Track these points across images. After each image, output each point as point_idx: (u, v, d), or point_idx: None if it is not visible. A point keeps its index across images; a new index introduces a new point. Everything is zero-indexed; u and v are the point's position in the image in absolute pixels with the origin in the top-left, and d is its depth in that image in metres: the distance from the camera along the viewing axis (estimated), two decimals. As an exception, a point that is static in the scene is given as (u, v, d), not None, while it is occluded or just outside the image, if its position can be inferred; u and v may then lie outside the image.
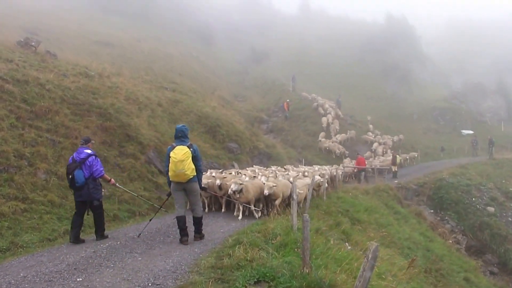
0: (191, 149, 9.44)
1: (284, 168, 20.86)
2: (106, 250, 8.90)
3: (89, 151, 10.08)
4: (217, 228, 11.49)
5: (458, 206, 26.26)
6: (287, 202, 14.19)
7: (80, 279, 6.94)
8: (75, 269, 7.50)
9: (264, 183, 13.41)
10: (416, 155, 37.86)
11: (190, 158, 9.31)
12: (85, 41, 47.31)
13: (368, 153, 37.40)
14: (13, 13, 48.44)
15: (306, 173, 18.87)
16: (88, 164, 9.88)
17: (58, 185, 12.78)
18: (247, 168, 20.19)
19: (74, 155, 10.13)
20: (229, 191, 12.92)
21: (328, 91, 56.06)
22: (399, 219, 21.45)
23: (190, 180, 9.43)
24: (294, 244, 8.37)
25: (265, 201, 13.87)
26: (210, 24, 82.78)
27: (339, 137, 39.27)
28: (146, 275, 7.10)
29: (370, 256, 4.60)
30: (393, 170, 31.69)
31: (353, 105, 52.45)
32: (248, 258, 7.58)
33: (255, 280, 6.62)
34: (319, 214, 13.91)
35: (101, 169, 10.12)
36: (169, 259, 8.15)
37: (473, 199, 26.62)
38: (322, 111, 44.06)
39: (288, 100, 45.45)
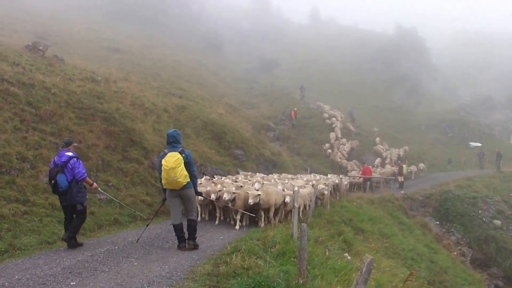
0: (183, 155, 9.29)
1: (289, 177, 20.65)
2: (103, 255, 8.85)
3: (70, 154, 9.79)
4: (217, 234, 11.43)
5: (464, 218, 26.00)
6: (285, 211, 13.87)
7: (74, 283, 6.89)
8: (70, 272, 7.46)
9: (248, 192, 12.62)
10: (423, 167, 37.52)
11: (182, 164, 9.15)
12: (94, 46, 47.60)
13: (377, 160, 37.40)
14: (24, 17, 48.86)
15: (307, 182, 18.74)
16: (70, 167, 9.59)
17: (60, 188, 12.73)
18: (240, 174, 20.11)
19: (55, 159, 9.82)
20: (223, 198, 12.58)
21: (336, 101, 55.93)
22: (403, 229, 21.26)
23: (184, 187, 9.25)
24: (293, 253, 8.27)
25: (260, 210, 12.99)
26: (220, 32, 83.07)
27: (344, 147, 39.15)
28: (141, 280, 7.04)
29: (364, 269, 4.50)
30: (400, 180, 31.49)
31: (360, 115, 52.21)
32: (245, 266, 7.50)
33: (250, 289, 6.54)
34: (321, 223, 13.78)
35: (83, 171, 9.77)
36: (166, 265, 8.09)
37: (479, 211, 26.32)
38: (329, 122, 43.86)
39: (295, 109, 45.37)
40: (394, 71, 72.79)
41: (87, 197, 10.18)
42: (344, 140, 40.53)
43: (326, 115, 45.30)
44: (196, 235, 9.72)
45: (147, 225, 11.04)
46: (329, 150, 38.16)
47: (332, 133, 41.35)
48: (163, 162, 9.13)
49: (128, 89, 26.70)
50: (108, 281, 7.00)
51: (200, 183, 14.59)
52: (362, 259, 4.61)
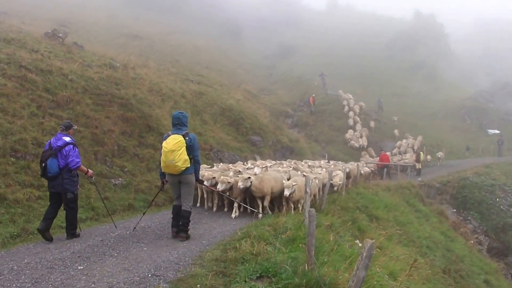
0: (187, 138, 8.80)
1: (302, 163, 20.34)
2: (113, 239, 8.92)
3: (67, 139, 9.15)
4: (229, 220, 11.43)
5: (482, 206, 25.69)
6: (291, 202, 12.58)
7: (81, 267, 6.94)
8: (78, 257, 7.53)
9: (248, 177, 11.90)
10: (441, 155, 36.71)
11: (184, 148, 8.66)
12: (114, 33, 47.84)
13: (395, 150, 37.11)
14: (45, 5, 49.21)
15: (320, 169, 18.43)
16: (64, 154, 8.97)
17: (75, 174, 12.85)
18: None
19: (51, 140, 9.23)
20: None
21: (355, 87, 55.51)
22: (419, 217, 21.05)
23: (183, 172, 8.81)
24: (303, 240, 8.21)
25: (258, 199, 12.14)
26: (239, 19, 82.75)
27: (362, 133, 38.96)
28: (148, 265, 7.07)
29: (364, 254, 4.42)
30: (417, 167, 31.19)
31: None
32: (254, 252, 7.47)
33: (258, 275, 6.52)
34: (335, 209, 13.68)
35: (78, 160, 9.12)
36: (175, 250, 8.11)
37: (497, 199, 25.95)
38: (347, 109, 43.52)
39: (313, 95, 45.12)
40: (412, 58, 71.94)
41: (78, 186, 9.66)
42: (364, 129, 40.23)
43: (345, 103, 44.82)
44: (189, 227, 9.26)
45: (144, 214, 10.57)
46: (349, 137, 37.93)
47: (350, 119, 41.15)
48: (164, 144, 8.79)
49: (146, 75, 26.77)
50: (115, 265, 7.04)
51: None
52: (364, 244, 4.54)
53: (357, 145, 36.64)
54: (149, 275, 6.58)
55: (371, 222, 15.32)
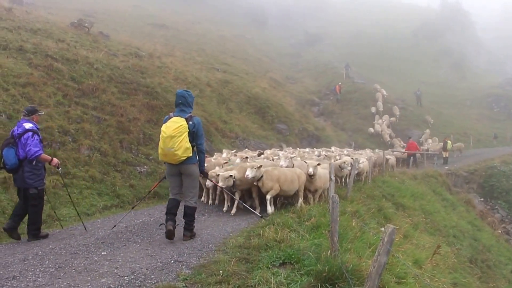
0: (190, 123, 7.54)
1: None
2: (138, 226, 8.91)
3: (28, 126, 7.94)
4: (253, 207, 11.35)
5: (509, 195, 25.20)
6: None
7: (105, 253, 6.93)
8: (102, 243, 7.53)
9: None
10: (461, 147, 35.40)
11: (185, 134, 7.43)
12: (140, 23, 48.04)
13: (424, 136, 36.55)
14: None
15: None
16: (23, 142, 7.82)
17: (101, 161, 12.92)
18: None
19: (14, 128, 8.14)
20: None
21: (380, 75, 54.94)
22: (446, 206, 20.69)
23: (183, 162, 7.59)
24: (327, 227, 8.05)
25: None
26: (264, 7, 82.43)
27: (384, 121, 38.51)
28: (171, 252, 7.01)
29: (385, 239, 4.26)
30: (444, 156, 30.67)
31: (405, 90, 51.15)
32: (278, 239, 7.36)
33: (280, 261, 6.41)
34: (361, 197, 13.50)
35: (36, 149, 7.84)
36: (198, 237, 8.05)
37: (526, 188, 25.42)
38: (377, 98, 42.90)
39: (340, 83, 44.69)
40: (439, 46, 70.75)
41: (45, 180, 8.51)
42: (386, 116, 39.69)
43: (379, 97, 43.81)
44: (194, 225, 8.11)
45: (132, 208, 9.68)
46: (372, 129, 37.57)
47: (373, 107, 40.74)
48: (163, 127, 7.52)
49: (172, 64, 26.86)
50: (138, 251, 7.01)
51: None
52: (384, 229, 4.39)
53: (372, 130, 36.39)
54: (172, 261, 6.52)
55: (397, 210, 15.10)
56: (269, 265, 6.23)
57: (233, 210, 10.60)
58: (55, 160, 8.33)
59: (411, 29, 76.07)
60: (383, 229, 4.52)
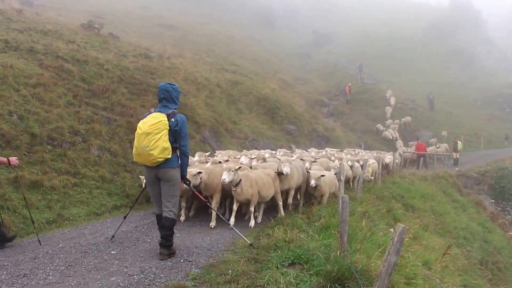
0: (172, 120, 6.63)
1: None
2: (147, 226, 8.96)
3: None
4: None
5: (521, 197, 24.95)
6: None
7: (115, 252, 6.99)
8: (112, 242, 7.59)
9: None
10: (447, 147, 34.66)
11: (165, 132, 6.51)
12: (149, 24, 48.22)
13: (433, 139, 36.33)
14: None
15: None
16: None
17: (110, 161, 12.96)
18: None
19: None
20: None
21: (390, 75, 54.80)
22: (456, 207, 20.59)
23: (161, 166, 6.66)
24: (336, 227, 8.05)
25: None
26: (273, 8, 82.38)
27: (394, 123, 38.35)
28: (181, 251, 7.07)
29: (395, 239, 4.27)
30: (454, 157, 30.47)
31: (415, 89, 50.94)
32: (287, 239, 7.41)
33: (290, 262, 6.45)
34: (370, 198, 13.47)
35: None
36: (208, 237, 8.09)
37: (537, 190, 25.19)
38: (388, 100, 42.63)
39: (349, 84, 44.59)
40: (449, 45, 70.22)
41: None
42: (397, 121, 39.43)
43: (390, 99, 43.33)
44: (172, 241, 6.95)
45: (125, 217, 8.26)
46: (381, 127, 37.46)
47: (388, 107, 40.57)
48: (139, 123, 6.65)
49: (181, 65, 26.93)
50: (148, 251, 7.06)
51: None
52: (395, 229, 4.40)
53: (390, 136, 36.13)
54: (181, 260, 6.58)
55: (407, 211, 15.04)
56: (278, 265, 6.28)
57: (212, 223, 9.15)
58: (13, 159, 7.51)
59: (421, 29, 75.63)
60: (392, 229, 4.52)
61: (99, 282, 5.64)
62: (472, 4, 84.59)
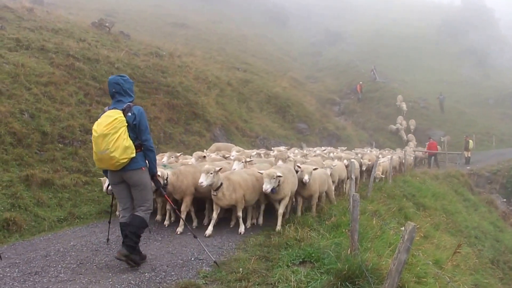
0: (129, 114, 5.83)
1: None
2: (158, 224, 8.94)
3: None
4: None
5: (533, 197, 24.65)
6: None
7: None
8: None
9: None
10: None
11: (123, 130, 5.73)
12: (161, 22, 48.34)
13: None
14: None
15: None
16: None
17: (122, 160, 12.98)
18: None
19: None
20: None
21: (402, 74, 54.51)
22: (468, 206, 20.42)
23: (125, 168, 5.85)
24: (347, 226, 7.99)
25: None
26: (284, 6, 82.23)
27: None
28: (191, 249, 7.06)
29: (405, 237, 4.25)
30: (466, 155, 30.20)
31: (427, 88, 50.59)
32: (298, 238, 7.41)
33: (300, 260, 6.44)
34: (381, 197, 13.41)
35: None
36: (219, 235, 8.06)
37: (549, 189, 24.87)
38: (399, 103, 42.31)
39: (361, 82, 44.37)
40: (461, 44, 69.67)
41: None
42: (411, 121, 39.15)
43: (401, 103, 42.94)
44: (137, 242, 6.08)
45: (109, 222, 7.53)
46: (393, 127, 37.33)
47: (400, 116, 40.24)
48: (94, 126, 5.82)
49: (192, 63, 26.97)
50: (159, 249, 7.06)
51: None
52: (405, 227, 4.37)
53: (405, 137, 35.98)
54: (192, 259, 6.57)
55: (418, 210, 14.93)
56: (289, 264, 6.28)
57: (179, 228, 8.26)
58: None
59: (433, 27, 75.11)
60: (403, 228, 4.50)
61: (110, 280, 5.65)
62: (484, 3, 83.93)
